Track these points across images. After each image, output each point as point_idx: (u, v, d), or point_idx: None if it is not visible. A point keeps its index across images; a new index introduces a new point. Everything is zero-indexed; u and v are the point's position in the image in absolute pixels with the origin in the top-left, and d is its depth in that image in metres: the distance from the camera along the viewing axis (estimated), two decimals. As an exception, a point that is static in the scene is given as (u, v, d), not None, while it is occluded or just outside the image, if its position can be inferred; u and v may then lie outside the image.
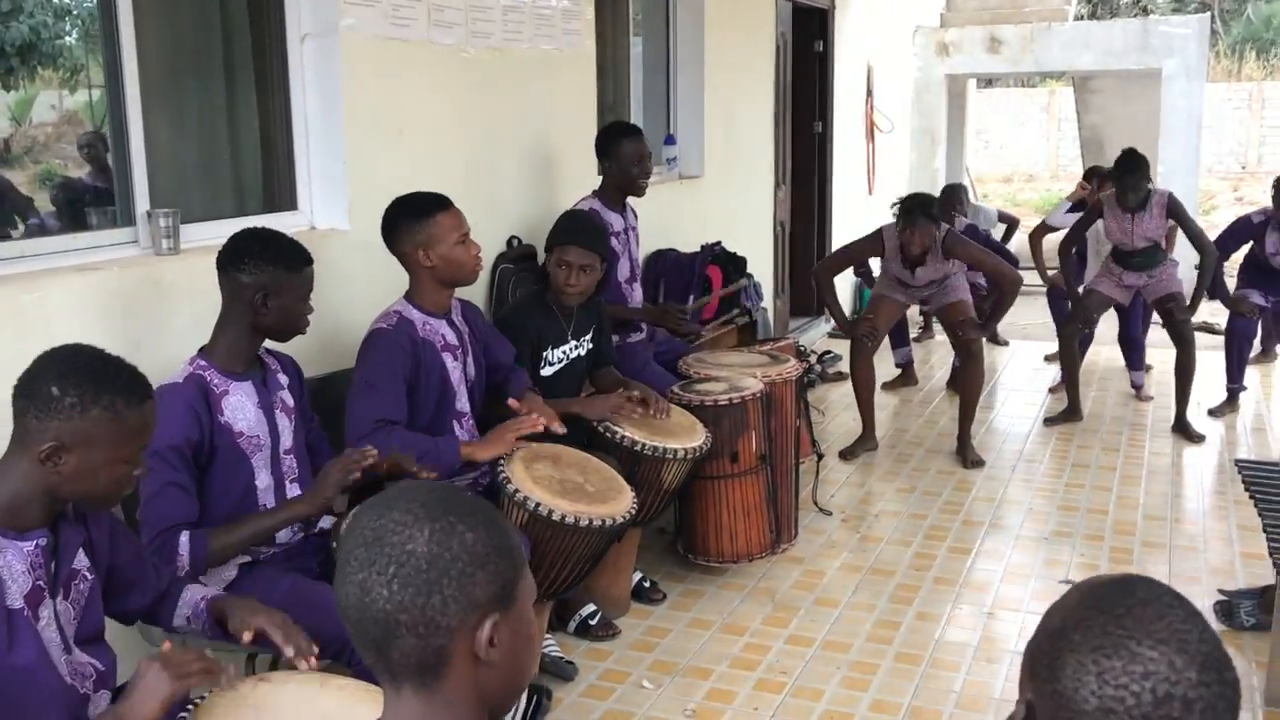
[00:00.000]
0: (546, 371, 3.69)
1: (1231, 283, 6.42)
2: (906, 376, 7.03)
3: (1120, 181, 5.72)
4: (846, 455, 5.61)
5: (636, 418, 3.58)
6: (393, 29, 3.72)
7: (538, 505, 3.03)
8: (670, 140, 6.01)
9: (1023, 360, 7.75)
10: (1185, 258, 6.10)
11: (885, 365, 7.09)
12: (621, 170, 4.33)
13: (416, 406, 3.12)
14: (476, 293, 4.09)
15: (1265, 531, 2.99)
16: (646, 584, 4.02)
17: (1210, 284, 5.86)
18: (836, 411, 6.53)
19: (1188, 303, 5.88)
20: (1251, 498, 3.13)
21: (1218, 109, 22.05)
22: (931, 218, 5.25)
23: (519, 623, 1.22)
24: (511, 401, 3.33)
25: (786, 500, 4.30)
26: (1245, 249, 6.40)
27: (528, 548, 3.00)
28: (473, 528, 1.19)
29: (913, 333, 7.47)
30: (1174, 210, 5.77)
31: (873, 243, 5.57)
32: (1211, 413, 6.20)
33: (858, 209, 8.96)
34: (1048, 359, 7.45)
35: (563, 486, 3.15)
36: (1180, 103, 9.51)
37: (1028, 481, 5.26)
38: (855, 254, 5.81)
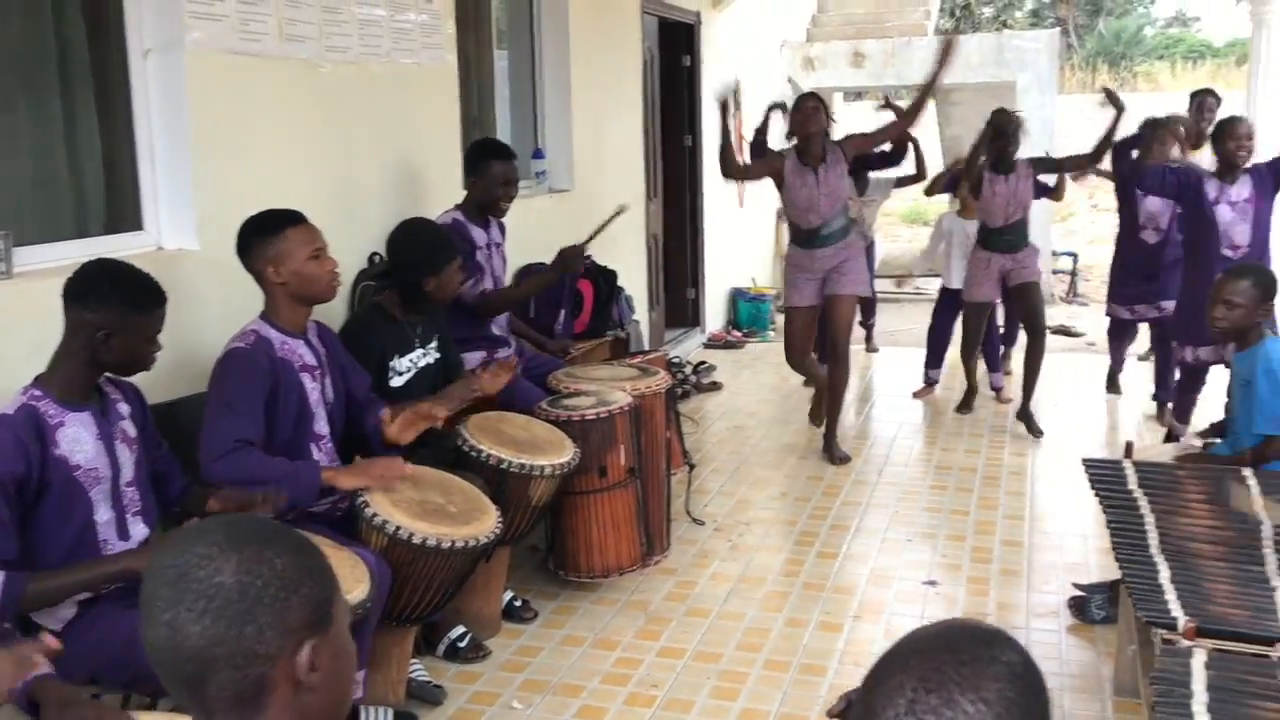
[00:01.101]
0: (396, 382, 3.62)
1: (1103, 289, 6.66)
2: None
3: (999, 135, 5.96)
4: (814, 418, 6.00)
5: (493, 432, 3.56)
6: (241, 43, 3.62)
7: (397, 529, 2.98)
8: (539, 154, 5.99)
9: (892, 366, 7.93)
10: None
11: (764, 370, 7.22)
12: (486, 190, 4.29)
13: (274, 427, 3.05)
14: (338, 309, 4.01)
15: (1109, 528, 3.10)
16: (517, 603, 3.99)
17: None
18: (711, 421, 6.58)
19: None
20: (1096, 495, 3.25)
21: (1074, 119, 23.03)
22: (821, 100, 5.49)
23: (337, 642, 1.21)
24: (385, 413, 3.29)
25: (658, 512, 4.32)
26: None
27: (389, 573, 2.95)
28: (281, 553, 1.16)
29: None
30: (1037, 163, 6.07)
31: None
32: (1108, 387, 6.72)
33: (729, 221, 9.07)
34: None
35: (423, 509, 3.11)
36: (1034, 114, 9.83)
37: (894, 485, 5.38)
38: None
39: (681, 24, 8.03)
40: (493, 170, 4.29)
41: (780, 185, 5.55)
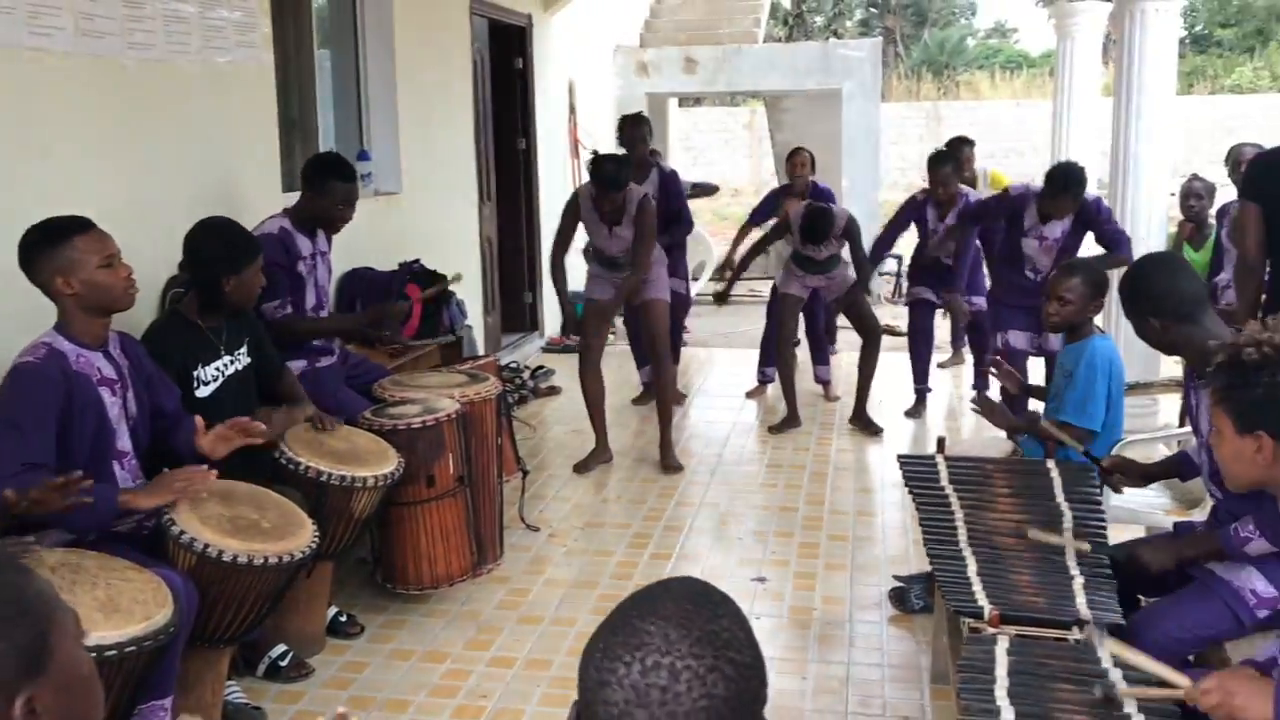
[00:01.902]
0: (202, 392, 3.45)
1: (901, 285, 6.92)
2: (651, 393, 7.10)
3: (807, 234, 6.12)
4: (580, 469, 5.64)
5: (312, 443, 3.45)
6: (32, 38, 3.42)
7: (206, 547, 2.86)
8: (364, 156, 5.85)
9: (722, 366, 8.05)
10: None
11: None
12: (324, 208, 4.12)
13: (71, 446, 2.87)
14: (147, 318, 3.82)
15: (920, 522, 3.20)
16: (343, 618, 3.88)
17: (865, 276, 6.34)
18: (549, 426, 6.56)
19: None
20: (909, 490, 3.35)
21: (900, 127, 23.88)
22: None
23: (63, 676, 1.12)
24: (199, 421, 3.15)
25: (490, 520, 4.27)
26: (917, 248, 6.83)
27: (195, 593, 2.82)
28: None
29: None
30: (849, 234, 6.23)
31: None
32: (907, 414, 6.66)
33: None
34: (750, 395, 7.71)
35: (234, 525, 2.99)
36: (859, 121, 10.20)
37: (726, 484, 5.46)
38: None
39: (513, 26, 7.98)
40: (334, 190, 4.12)
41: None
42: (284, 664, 3.55)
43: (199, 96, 4.27)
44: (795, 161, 7.25)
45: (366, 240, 5.56)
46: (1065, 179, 5.25)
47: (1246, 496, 2.64)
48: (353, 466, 3.49)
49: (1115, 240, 5.28)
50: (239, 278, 3.46)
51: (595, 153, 5.45)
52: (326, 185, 4.11)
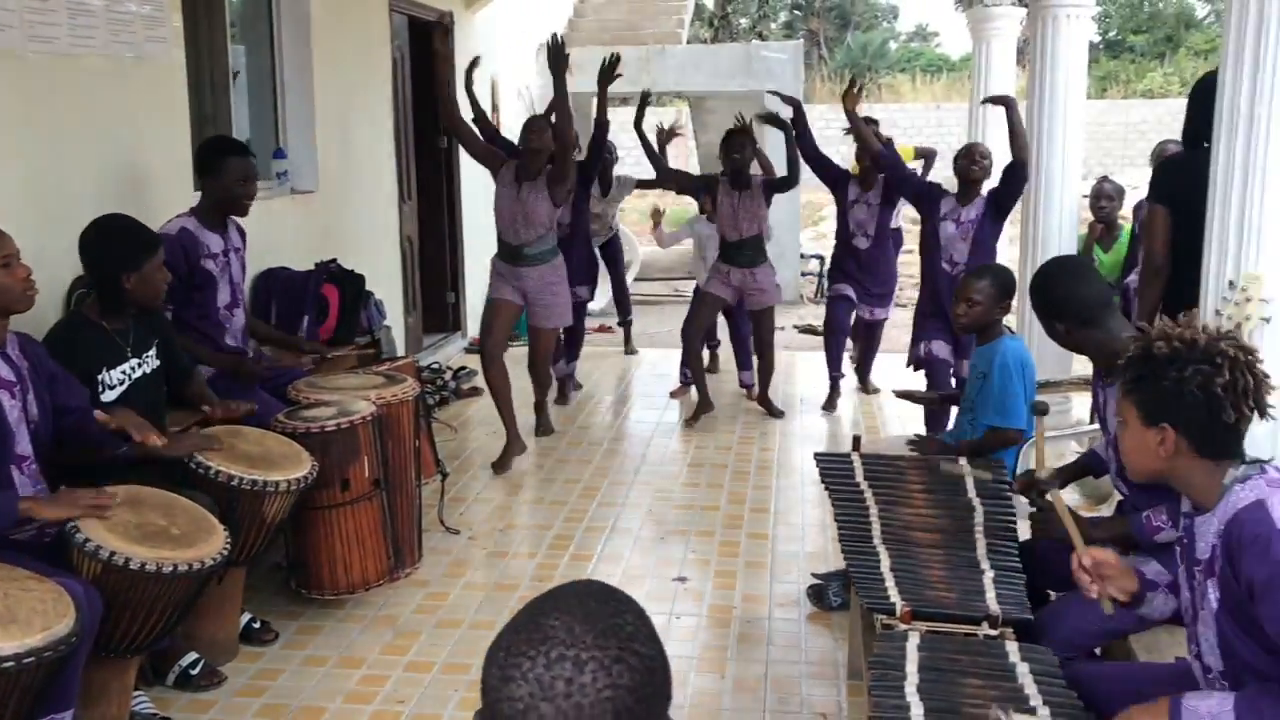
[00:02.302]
0: (108, 396, 3.36)
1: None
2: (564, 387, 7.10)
3: (727, 143, 6.21)
4: (498, 466, 5.61)
5: (224, 448, 3.38)
6: (-75, 30, 3.30)
7: (112, 555, 2.78)
8: (280, 154, 5.75)
9: (646, 367, 8.07)
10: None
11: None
12: (224, 189, 4.04)
13: (-34, 452, 2.78)
14: (52, 320, 3.71)
15: (836, 519, 3.24)
16: (256, 625, 3.80)
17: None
18: (471, 427, 6.51)
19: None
20: (825, 488, 3.38)
21: (823, 128, 24.15)
22: None
23: None
24: (98, 413, 3.07)
25: (407, 524, 4.21)
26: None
27: (100, 602, 2.75)
28: None
29: None
30: (770, 189, 6.34)
31: None
32: (824, 407, 6.76)
33: (487, 222, 8.97)
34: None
35: (142, 532, 2.91)
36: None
37: (648, 484, 5.46)
38: None
39: (434, 23, 7.88)
40: (230, 168, 4.04)
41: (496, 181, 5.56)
42: (195, 672, 3.47)
43: (106, 92, 4.16)
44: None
45: (282, 239, 5.46)
46: (971, 150, 5.59)
47: (1152, 491, 2.71)
48: (265, 470, 3.42)
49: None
50: (139, 275, 3.37)
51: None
52: (222, 164, 4.03)
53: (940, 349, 5.48)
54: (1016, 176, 5.39)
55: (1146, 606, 2.33)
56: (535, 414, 6.02)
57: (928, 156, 7.89)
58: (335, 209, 6.16)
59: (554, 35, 5.60)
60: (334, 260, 5.50)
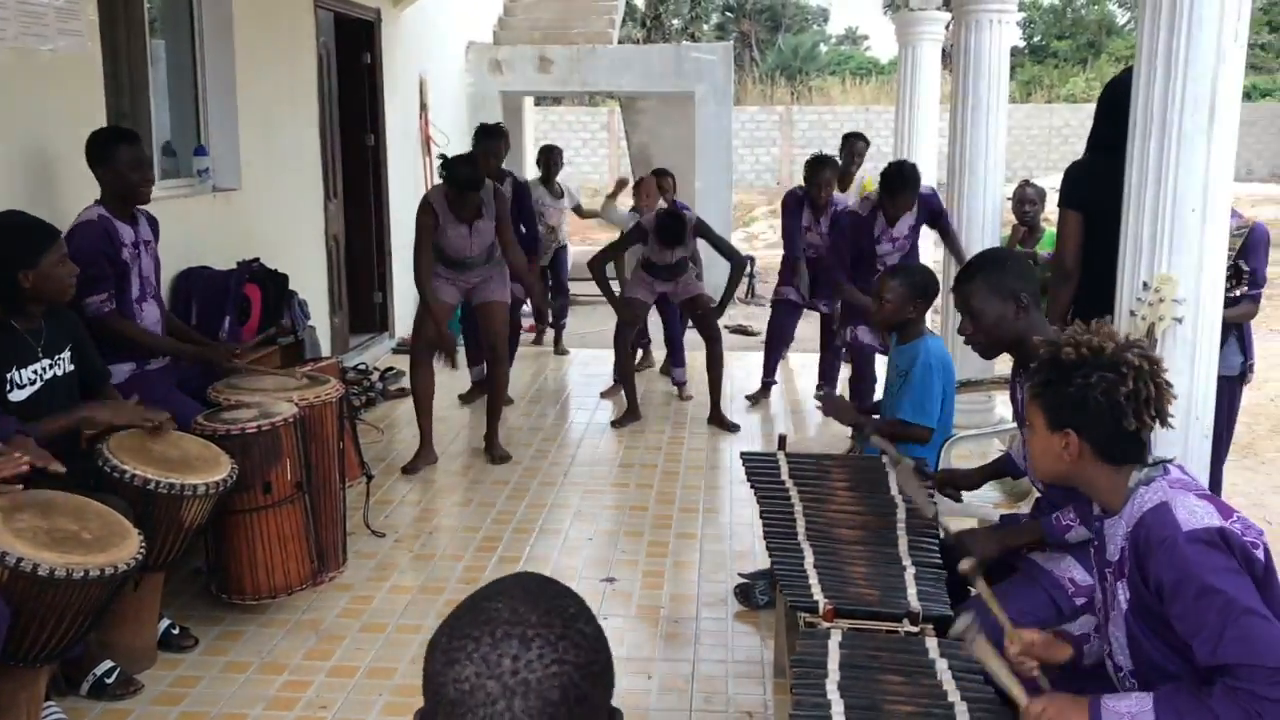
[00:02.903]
0: (17, 396, 3.25)
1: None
2: (483, 388, 7.06)
3: (661, 232, 6.20)
4: (408, 470, 5.54)
5: (137, 449, 3.31)
6: None
7: (19, 561, 2.70)
8: (201, 151, 5.64)
9: (577, 367, 8.05)
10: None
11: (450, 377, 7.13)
12: (120, 178, 3.94)
13: None
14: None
15: (761, 517, 3.25)
16: (175, 630, 3.72)
17: (735, 287, 6.42)
18: (399, 429, 6.44)
19: (714, 304, 6.43)
20: (752, 487, 3.40)
21: (754, 130, 24.33)
22: None
23: None
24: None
25: (331, 527, 4.16)
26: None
27: (7, 610, 2.67)
28: None
29: None
30: (701, 231, 6.32)
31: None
32: (749, 398, 6.83)
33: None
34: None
35: (51, 537, 2.83)
36: (712, 124, 10.33)
37: (578, 484, 5.45)
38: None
39: (360, 20, 7.81)
40: (121, 156, 3.93)
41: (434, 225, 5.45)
42: (110, 681, 3.38)
43: (17, 87, 4.05)
44: (642, 192, 7.38)
45: (203, 238, 5.36)
46: (902, 177, 5.58)
47: (1068, 488, 2.76)
48: (182, 473, 3.35)
49: (952, 230, 5.81)
50: (37, 271, 3.27)
51: (444, 157, 5.39)
52: (112, 153, 3.92)
53: (865, 335, 5.58)
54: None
55: (1089, 658, 2.34)
56: (486, 441, 5.78)
57: None
58: (258, 207, 6.06)
59: None
60: (257, 259, 5.41)
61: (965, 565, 2.57)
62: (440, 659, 1.08)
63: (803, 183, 6.68)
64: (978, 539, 2.95)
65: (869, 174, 7.75)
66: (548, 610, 1.09)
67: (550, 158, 8.19)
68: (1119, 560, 2.05)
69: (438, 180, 5.47)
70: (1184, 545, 1.89)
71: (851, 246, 5.86)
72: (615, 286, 6.93)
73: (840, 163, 6.95)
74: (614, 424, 6.46)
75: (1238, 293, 4.03)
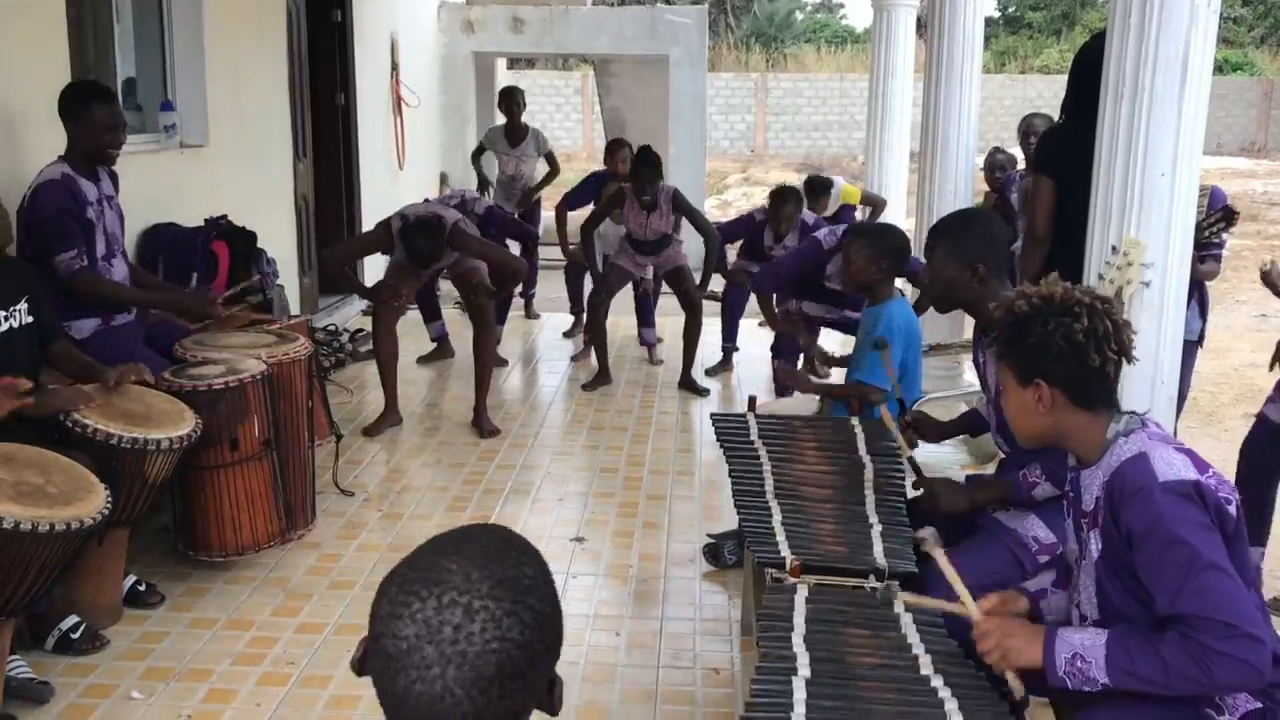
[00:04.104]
0: None
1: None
2: (442, 349, 7.07)
3: (636, 175, 6.17)
4: (370, 431, 5.52)
5: (101, 406, 3.27)
6: None
7: (-18, 513, 2.68)
8: (167, 106, 5.56)
9: (549, 330, 8.04)
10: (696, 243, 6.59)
11: (422, 338, 7.12)
12: (90, 137, 3.86)
13: None
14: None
15: (730, 476, 3.26)
16: (141, 587, 3.70)
17: (715, 263, 6.41)
18: (368, 389, 6.41)
19: (698, 281, 6.44)
20: (721, 446, 3.41)
21: (728, 96, 24.25)
22: None
23: None
24: None
25: (299, 485, 4.14)
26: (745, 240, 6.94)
27: (-31, 562, 2.65)
28: None
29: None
30: (679, 204, 6.29)
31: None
32: (708, 372, 6.82)
33: (387, 183, 8.85)
34: (566, 335, 7.77)
35: (16, 490, 2.81)
36: (686, 88, 10.28)
37: (548, 446, 5.45)
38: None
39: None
40: (95, 115, 3.85)
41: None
42: (75, 636, 3.36)
43: (-24, 34, 3.97)
44: (616, 157, 7.30)
45: (170, 194, 5.30)
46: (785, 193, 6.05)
47: (1032, 449, 2.79)
48: (146, 428, 3.32)
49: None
50: None
51: (405, 218, 5.27)
52: (87, 112, 3.84)
53: (811, 308, 5.50)
54: None
55: (1049, 615, 2.36)
56: (474, 412, 5.64)
57: (875, 205, 7.58)
58: (226, 164, 5.98)
59: None
60: (224, 216, 5.35)
61: (923, 533, 2.58)
62: (386, 607, 1.09)
63: (765, 208, 6.62)
64: (946, 490, 2.96)
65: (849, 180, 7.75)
66: (501, 581, 1.09)
67: (511, 100, 8.00)
68: (1093, 510, 2.07)
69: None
70: (1158, 495, 1.91)
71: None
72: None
73: (788, 207, 6.40)
74: (585, 387, 6.46)
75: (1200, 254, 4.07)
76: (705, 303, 6.53)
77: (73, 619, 3.39)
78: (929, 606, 2.31)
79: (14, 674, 3.08)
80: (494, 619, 1.06)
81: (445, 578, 1.07)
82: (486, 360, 5.64)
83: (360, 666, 1.12)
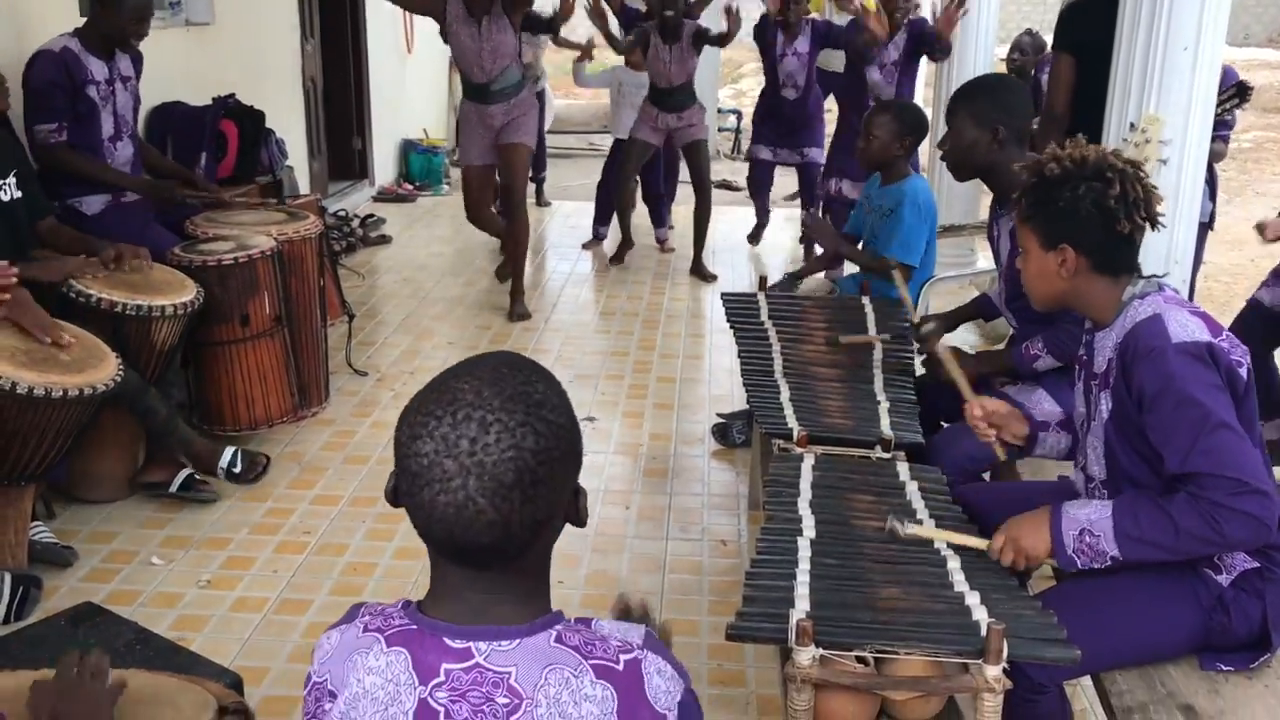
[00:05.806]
0: None
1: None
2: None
3: (662, 5, 6.01)
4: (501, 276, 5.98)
5: (104, 276, 3.29)
6: None
7: (-1, 379, 2.71)
8: (173, -17, 5.45)
9: (560, 219, 7.99)
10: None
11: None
12: (116, 26, 3.79)
13: None
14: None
15: (739, 355, 3.28)
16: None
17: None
18: (379, 274, 6.42)
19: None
20: (731, 326, 3.41)
21: (745, -16, 23.64)
22: None
23: None
24: None
25: (312, 363, 4.17)
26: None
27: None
28: None
29: None
30: (699, 39, 6.14)
31: None
32: (749, 238, 7.21)
33: (395, 68, 8.72)
34: (585, 246, 7.63)
35: (30, 357, 2.84)
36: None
37: (559, 331, 5.47)
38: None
39: None
40: (126, 6, 3.80)
41: (444, 30, 5.28)
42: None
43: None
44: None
45: (177, 73, 5.22)
46: None
47: (1040, 323, 2.78)
48: (149, 295, 3.34)
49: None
50: None
51: None
52: (119, 1, 3.79)
53: (850, 189, 5.47)
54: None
55: (1040, 447, 2.38)
56: (511, 297, 5.67)
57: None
58: (233, 43, 5.89)
59: None
60: (232, 95, 5.27)
61: (926, 328, 2.58)
62: (406, 431, 1.13)
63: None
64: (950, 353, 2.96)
65: None
66: (512, 396, 1.11)
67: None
68: (1105, 370, 2.07)
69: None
70: (1171, 355, 1.91)
71: (846, 69, 5.77)
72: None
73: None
74: (612, 260, 6.65)
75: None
76: (727, 192, 6.48)
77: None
78: (938, 538, 2.28)
79: (37, 538, 3.15)
80: (508, 429, 1.09)
81: (459, 396, 1.11)
82: (520, 245, 5.64)
83: (393, 496, 1.16)
